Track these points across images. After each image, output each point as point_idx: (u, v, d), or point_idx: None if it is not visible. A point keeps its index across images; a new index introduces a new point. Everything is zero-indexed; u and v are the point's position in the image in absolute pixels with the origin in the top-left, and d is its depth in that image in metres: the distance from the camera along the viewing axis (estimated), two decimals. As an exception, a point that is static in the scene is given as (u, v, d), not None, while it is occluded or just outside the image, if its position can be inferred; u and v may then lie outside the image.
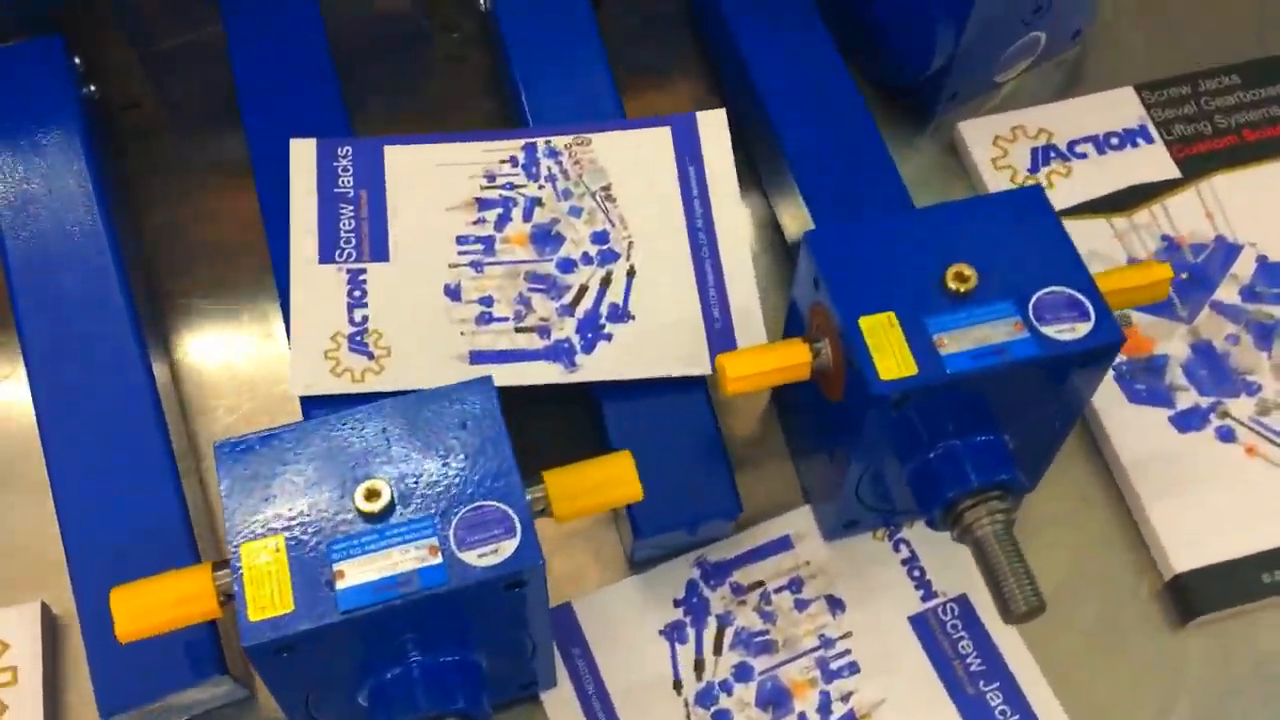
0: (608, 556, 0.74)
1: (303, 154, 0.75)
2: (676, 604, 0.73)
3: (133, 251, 0.78)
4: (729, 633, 0.73)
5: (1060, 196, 0.85)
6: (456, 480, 0.59)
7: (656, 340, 0.72)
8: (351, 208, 0.75)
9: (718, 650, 0.72)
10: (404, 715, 0.60)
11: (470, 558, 0.57)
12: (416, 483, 0.58)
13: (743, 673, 0.72)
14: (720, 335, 0.72)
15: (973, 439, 0.67)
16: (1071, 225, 0.82)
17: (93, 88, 0.81)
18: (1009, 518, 0.67)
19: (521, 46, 0.80)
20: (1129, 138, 0.87)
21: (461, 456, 0.59)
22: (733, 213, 0.76)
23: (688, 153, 0.78)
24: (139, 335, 0.71)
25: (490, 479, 0.59)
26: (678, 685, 0.71)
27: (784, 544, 0.75)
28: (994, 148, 0.87)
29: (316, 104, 0.78)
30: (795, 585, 0.74)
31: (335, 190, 0.75)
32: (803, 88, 0.80)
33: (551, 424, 0.75)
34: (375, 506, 0.57)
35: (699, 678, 0.71)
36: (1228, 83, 0.90)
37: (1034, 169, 0.86)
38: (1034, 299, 0.64)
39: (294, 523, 0.57)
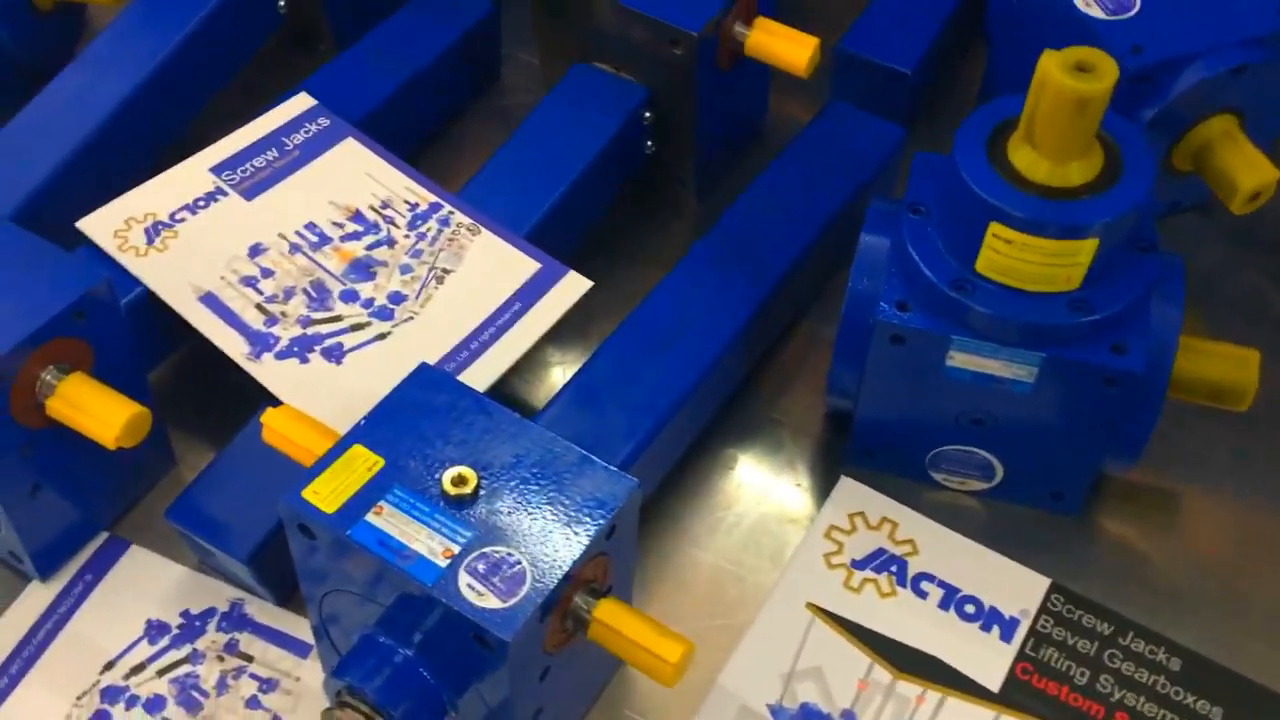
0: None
1: (296, 105, 0.84)
2: (183, 614, 0.72)
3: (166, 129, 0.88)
4: (181, 669, 0.70)
5: (849, 604, 0.70)
6: None
7: (331, 391, 0.71)
8: (275, 154, 0.82)
9: (161, 673, 0.70)
10: None
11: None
12: None
13: (153, 705, 0.69)
14: (378, 429, 0.70)
15: (421, 667, 0.59)
16: (819, 628, 0.69)
17: (282, 5, 0.95)
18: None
19: (533, 126, 0.83)
20: (988, 619, 0.70)
21: None
22: (499, 360, 0.73)
23: (529, 292, 0.76)
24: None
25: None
26: (108, 667, 0.70)
27: (306, 649, 0.71)
28: (846, 519, 0.74)
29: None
30: (268, 685, 0.70)
31: (282, 138, 0.83)
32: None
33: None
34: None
35: (125, 677, 0.70)
36: (1159, 658, 0.68)
37: (860, 565, 0.72)
38: (491, 549, 0.56)
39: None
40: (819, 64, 0.82)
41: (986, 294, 0.66)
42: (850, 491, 0.75)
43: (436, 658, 0.59)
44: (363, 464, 0.60)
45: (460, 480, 0.59)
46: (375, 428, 0.61)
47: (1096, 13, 0.82)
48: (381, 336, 0.75)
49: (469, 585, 0.56)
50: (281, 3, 0.96)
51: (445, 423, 0.61)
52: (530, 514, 0.58)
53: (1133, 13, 0.82)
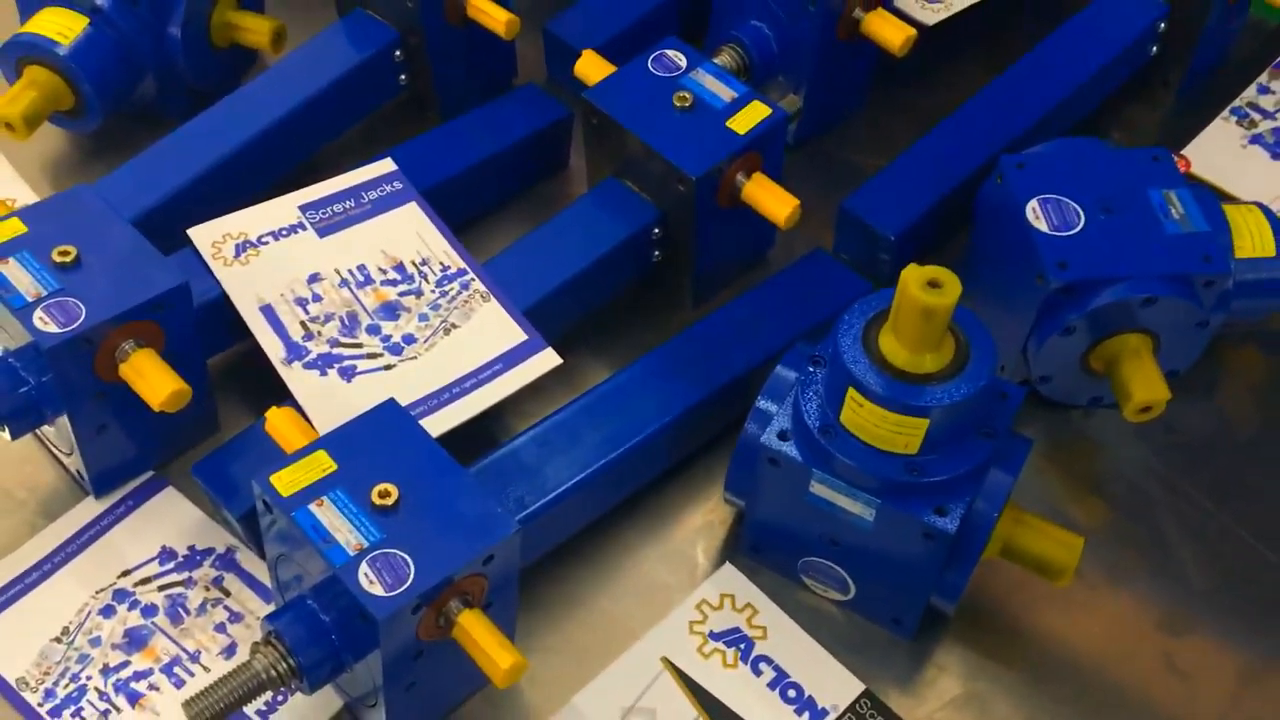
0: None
1: (379, 168, 1.04)
2: (190, 548, 0.92)
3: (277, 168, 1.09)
4: (176, 589, 0.90)
5: (696, 666, 0.85)
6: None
7: (335, 402, 0.90)
8: (352, 204, 1.01)
9: (161, 589, 0.90)
10: None
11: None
12: None
13: (148, 611, 0.88)
14: (362, 440, 0.88)
15: (330, 631, 0.77)
16: (665, 678, 0.84)
17: (403, 78, 1.15)
18: (286, 678, 0.76)
19: (562, 220, 1.01)
20: (803, 705, 0.84)
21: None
22: (462, 411, 0.90)
23: (510, 359, 0.93)
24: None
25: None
26: (124, 574, 0.90)
27: (271, 596, 0.89)
28: (718, 598, 0.88)
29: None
30: (235, 618, 0.88)
31: (361, 192, 1.02)
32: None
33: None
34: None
35: (134, 585, 0.90)
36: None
37: (716, 637, 0.87)
38: (392, 551, 0.73)
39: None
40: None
41: (844, 443, 0.81)
42: (729, 576, 0.90)
43: (342, 625, 0.77)
44: (321, 465, 0.78)
45: (385, 494, 0.76)
46: (339, 440, 0.79)
47: (1042, 226, 0.95)
48: (387, 368, 0.93)
49: (365, 574, 0.73)
50: (402, 77, 1.16)
51: (391, 449, 0.79)
52: (431, 533, 0.75)
53: (1072, 232, 0.95)
